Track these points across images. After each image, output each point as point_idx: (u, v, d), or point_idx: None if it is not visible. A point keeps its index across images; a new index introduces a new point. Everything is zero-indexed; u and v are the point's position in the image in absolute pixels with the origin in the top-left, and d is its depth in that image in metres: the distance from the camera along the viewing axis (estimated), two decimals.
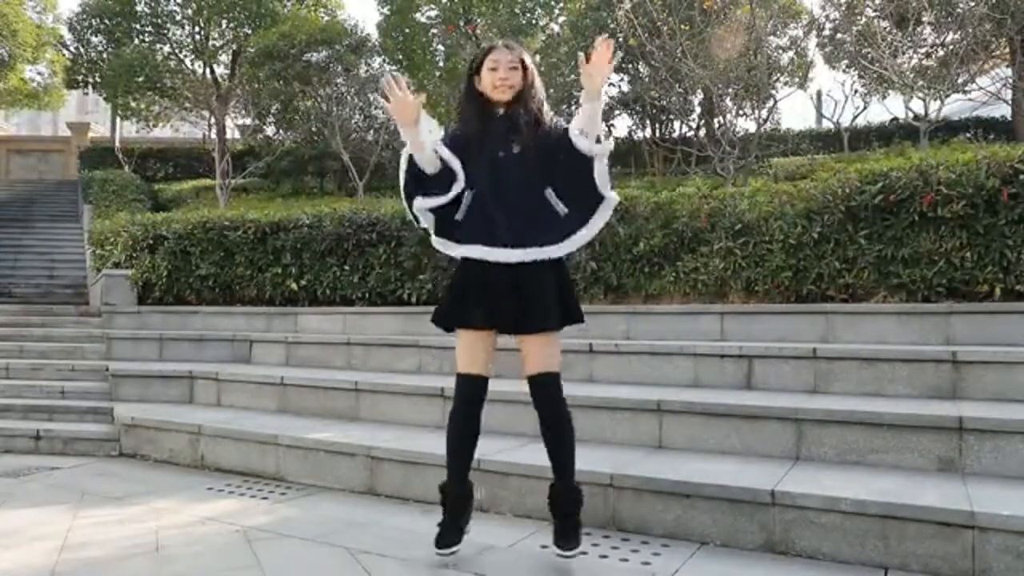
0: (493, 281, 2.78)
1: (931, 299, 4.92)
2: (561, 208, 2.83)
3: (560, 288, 2.85)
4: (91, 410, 5.89)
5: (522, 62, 2.88)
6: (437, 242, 2.95)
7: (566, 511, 2.83)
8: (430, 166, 2.87)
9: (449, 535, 2.86)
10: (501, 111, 2.89)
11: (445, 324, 2.93)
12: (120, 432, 5.41)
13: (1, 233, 13.24)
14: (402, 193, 2.95)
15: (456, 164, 2.86)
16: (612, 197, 2.90)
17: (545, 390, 2.83)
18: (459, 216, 2.84)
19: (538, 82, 2.94)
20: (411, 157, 2.88)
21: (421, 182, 2.89)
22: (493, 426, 3.69)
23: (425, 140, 2.85)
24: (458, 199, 2.85)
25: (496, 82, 2.84)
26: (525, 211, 2.80)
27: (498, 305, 2.77)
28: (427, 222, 2.94)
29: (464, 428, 2.89)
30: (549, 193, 2.83)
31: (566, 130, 2.82)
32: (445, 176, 2.87)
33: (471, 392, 2.87)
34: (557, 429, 2.85)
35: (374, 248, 7.27)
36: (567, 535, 2.79)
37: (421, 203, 2.88)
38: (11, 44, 18.76)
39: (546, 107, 2.95)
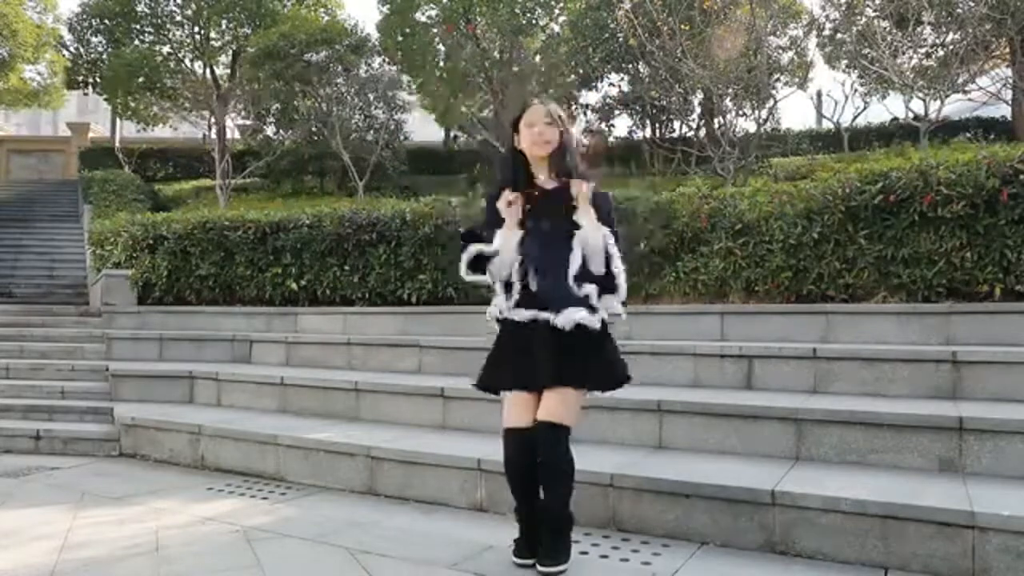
0: (529, 342, 2.82)
1: (931, 299, 4.92)
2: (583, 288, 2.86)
3: (598, 349, 2.86)
4: (91, 410, 5.89)
5: (558, 115, 2.92)
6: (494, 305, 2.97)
7: (554, 533, 2.80)
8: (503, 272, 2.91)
9: (523, 547, 2.87)
10: (542, 175, 2.93)
11: (492, 390, 2.99)
12: (120, 432, 5.41)
13: (1, 233, 13.24)
14: (464, 269, 2.97)
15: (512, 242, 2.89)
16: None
17: (547, 440, 2.78)
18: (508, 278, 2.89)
19: (571, 138, 2.96)
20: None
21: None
22: (494, 425, 3.68)
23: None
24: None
25: (534, 139, 2.89)
26: (561, 282, 2.83)
27: (535, 365, 2.80)
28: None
29: (518, 477, 2.87)
30: (573, 279, 2.85)
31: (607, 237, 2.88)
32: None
33: (521, 448, 2.83)
34: (551, 474, 2.81)
35: (374, 248, 7.27)
36: (554, 554, 2.77)
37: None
38: (11, 44, 18.76)
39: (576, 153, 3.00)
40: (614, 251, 2.88)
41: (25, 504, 4.06)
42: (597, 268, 2.85)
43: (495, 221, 2.90)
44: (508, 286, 2.90)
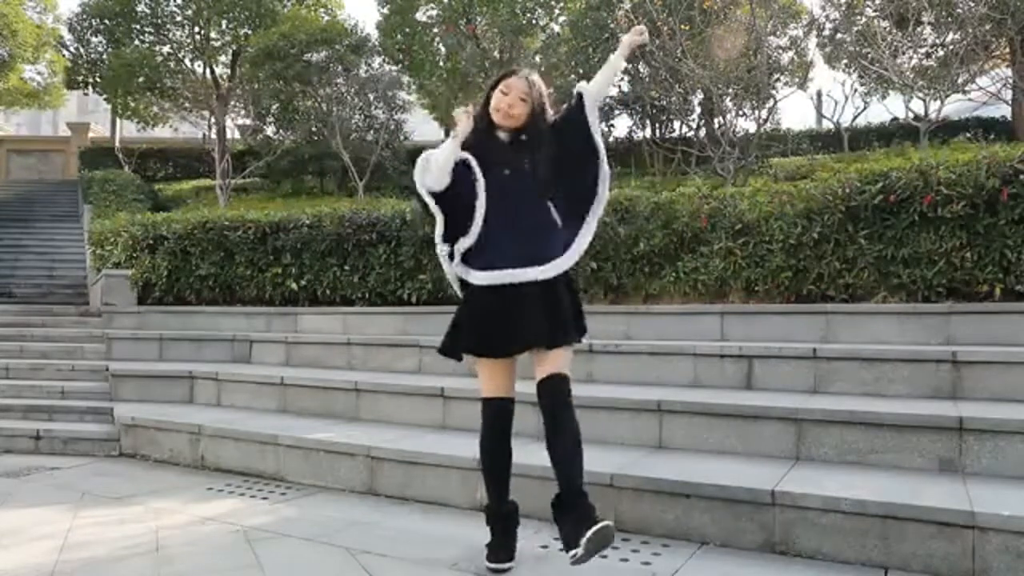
0: (501, 304, 2.74)
1: (931, 299, 4.92)
2: (558, 220, 2.86)
3: (573, 302, 2.87)
4: (91, 410, 5.89)
5: (538, 96, 2.90)
6: (457, 270, 2.90)
7: (581, 510, 2.59)
8: (444, 174, 2.85)
9: (499, 551, 2.84)
10: (504, 136, 2.91)
11: (457, 353, 2.90)
12: (120, 432, 5.41)
13: (1, 233, 13.24)
14: (438, 239, 2.93)
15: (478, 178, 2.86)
16: (604, 186, 2.95)
17: (554, 389, 2.72)
18: (470, 242, 2.83)
19: (547, 111, 2.94)
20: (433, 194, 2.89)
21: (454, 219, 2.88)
22: None
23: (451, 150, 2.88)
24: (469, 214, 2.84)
25: (499, 105, 2.87)
26: (530, 228, 2.80)
27: (521, 327, 2.72)
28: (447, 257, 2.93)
29: (497, 453, 2.87)
30: (550, 206, 2.86)
31: (571, 106, 2.91)
32: (465, 205, 2.84)
33: (499, 416, 2.85)
34: (565, 430, 2.70)
35: (374, 248, 7.26)
36: (581, 529, 2.49)
37: (447, 248, 2.91)
38: (11, 44, 18.76)
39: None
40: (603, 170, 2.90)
41: (25, 504, 4.06)
42: (599, 91, 2.91)
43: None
44: (469, 249, 2.81)
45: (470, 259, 2.84)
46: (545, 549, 3.06)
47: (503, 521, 2.89)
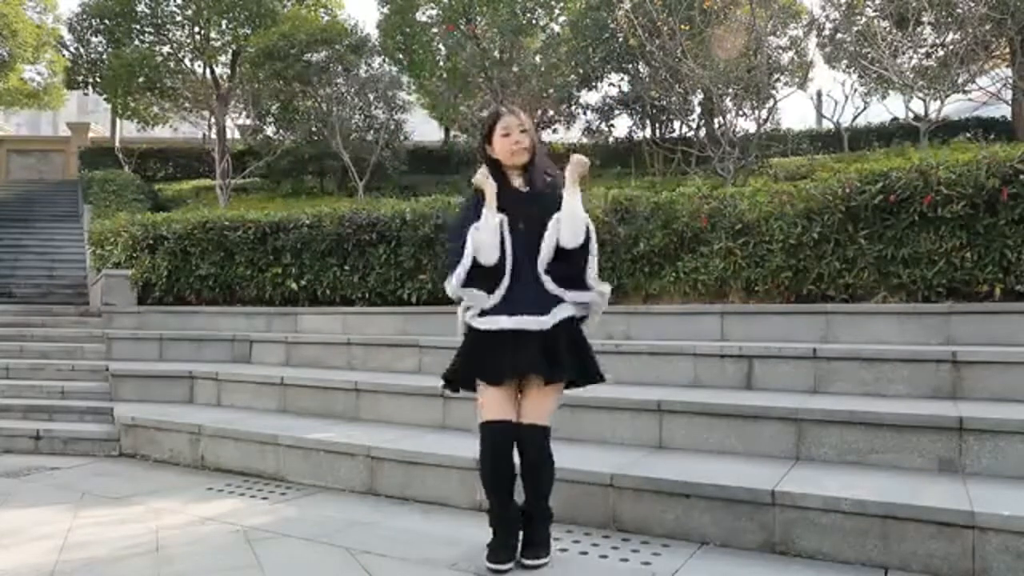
0: (506, 341, 2.85)
1: (931, 299, 4.92)
2: (554, 287, 2.90)
3: (574, 346, 2.92)
4: (91, 410, 5.89)
5: (529, 123, 2.99)
6: (465, 315, 2.98)
7: (537, 527, 2.91)
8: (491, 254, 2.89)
9: (499, 552, 2.85)
10: (518, 181, 2.97)
11: (454, 386, 3.02)
12: (120, 432, 5.41)
13: (1, 233, 13.24)
14: (453, 286, 2.95)
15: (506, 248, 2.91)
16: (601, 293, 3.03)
17: (533, 441, 2.88)
18: (497, 297, 2.90)
19: (540, 149, 3.03)
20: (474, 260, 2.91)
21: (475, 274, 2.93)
22: None
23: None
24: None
25: (512, 147, 2.93)
26: (531, 284, 2.88)
27: (513, 359, 2.84)
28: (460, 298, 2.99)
29: (500, 475, 2.89)
30: (542, 274, 2.90)
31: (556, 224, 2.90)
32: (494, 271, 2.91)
33: (501, 435, 2.87)
34: (532, 475, 2.91)
35: (374, 248, 7.26)
36: (538, 547, 2.88)
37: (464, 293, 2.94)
38: (11, 44, 18.77)
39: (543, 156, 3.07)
40: (592, 243, 2.93)
41: (25, 504, 4.06)
42: (573, 241, 2.86)
43: (472, 219, 2.92)
44: (484, 286, 2.88)
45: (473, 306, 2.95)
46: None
47: (506, 523, 2.91)
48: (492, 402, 2.89)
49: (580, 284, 2.93)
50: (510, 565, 2.83)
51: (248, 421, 5.02)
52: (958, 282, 4.85)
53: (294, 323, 7.29)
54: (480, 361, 2.92)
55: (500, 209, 2.90)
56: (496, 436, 2.87)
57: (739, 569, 2.82)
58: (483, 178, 2.95)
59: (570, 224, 2.87)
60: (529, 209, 2.91)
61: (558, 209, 2.88)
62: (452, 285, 2.94)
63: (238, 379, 5.83)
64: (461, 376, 3.01)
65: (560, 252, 2.90)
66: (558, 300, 2.89)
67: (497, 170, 2.98)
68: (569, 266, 2.91)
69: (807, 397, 3.97)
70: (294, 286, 7.59)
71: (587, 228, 2.91)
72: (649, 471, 3.33)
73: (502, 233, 2.88)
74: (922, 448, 3.28)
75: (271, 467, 4.52)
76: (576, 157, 2.91)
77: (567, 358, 2.88)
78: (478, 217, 2.90)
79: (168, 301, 8.18)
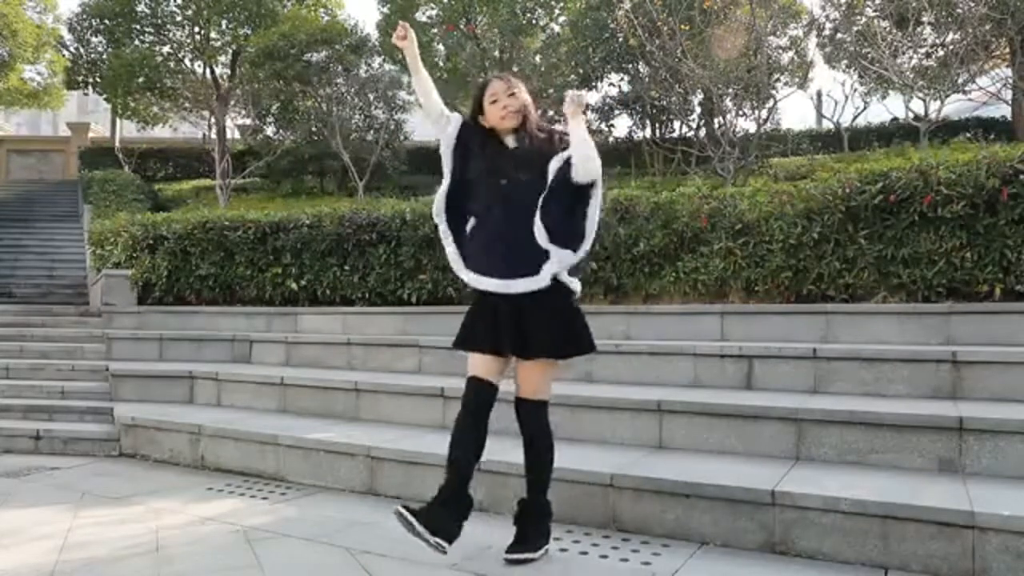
0: (498, 309, 2.86)
1: (931, 299, 4.92)
2: (544, 240, 2.85)
3: (564, 317, 2.87)
4: (91, 410, 5.89)
5: (519, 85, 2.98)
6: (455, 266, 3.02)
7: (525, 522, 2.92)
8: (429, 101, 3.01)
9: (438, 514, 2.73)
10: (511, 140, 2.95)
11: (461, 347, 3.01)
12: (120, 432, 5.41)
13: (1, 233, 13.24)
14: (436, 211, 3.04)
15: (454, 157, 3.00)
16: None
17: (529, 416, 2.91)
18: (465, 244, 2.96)
19: (533, 114, 3.01)
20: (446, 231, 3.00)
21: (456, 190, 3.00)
22: (494, 426, 3.68)
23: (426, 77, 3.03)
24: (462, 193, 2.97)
25: (501, 112, 2.92)
26: (520, 241, 2.85)
27: (502, 332, 2.84)
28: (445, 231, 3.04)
29: (468, 437, 2.86)
30: (538, 223, 2.85)
31: (566, 164, 2.88)
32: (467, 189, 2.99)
33: (479, 396, 2.87)
34: (535, 453, 2.94)
35: (374, 248, 7.27)
36: (520, 543, 2.88)
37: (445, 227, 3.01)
38: (11, 44, 18.77)
39: (537, 119, 3.05)
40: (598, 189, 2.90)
41: (25, 504, 4.06)
42: (587, 175, 2.84)
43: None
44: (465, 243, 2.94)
45: (466, 256, 2.97)
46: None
47: (451, 504, 2.79)
48: (474, 360, 2.92)
49: (574, 240, 2.87)
50: (444, 543, 2.69)
51: (248, 421, 5.02)
52: (958, 282, 4.85)
53: (294, 323, 7.29)
54: (466, 326, 2.96)
55: (486, 164, 2.93)
56: (469, 393, 2.89)
57: (739, 569, 2.82)
58: (398, 37, 2.99)
59: (583, 153, 2.82)
60: (516, 166, 2.90)
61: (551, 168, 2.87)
62: (435, 207, 3.01)
63: (238, 379, 5.83)
64: (460, 342, 3.00)
65: (569, 193, 2.85)
66: (540, 261, 2.80)
67: (491, 136, 2.97)
68: (573, 215, 2.86)
69: (807, 397, 3.97)
70: (294, 286, 7.59)
71: (598, 167, 2.87)
72: (649, 471, 3.33)
73: (485, 180, 2.91)
74: (922, 448, 3.28)
75: (271, 467, 4.52)
76: (570, 92, 2.88)
77: (549, 333, 2.82)
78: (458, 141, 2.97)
79: (168, 301, 8.18)
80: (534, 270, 2.81)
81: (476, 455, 2.89)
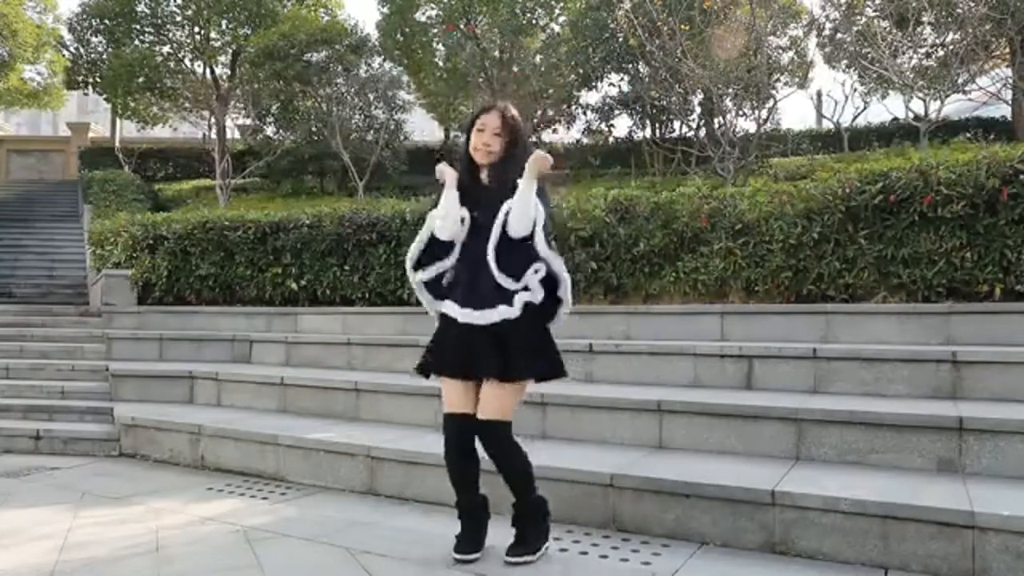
0: (463, 336, 2.91)
1: (931, 299, 4.92)
2: (504, 283, 2.88)
3: (526, 344, 2.89)
4: (91, 410, 5.89)
5: (513, 128, 2.96)
6: (421, 295, 3.08)
7: (520, 525, 2.95)
8: (449, 230, 2.98)
9: (465, 543, 2.94)
10: (484, 175, 2.99)
11: (425, 372, 3.10)
12: (120, 432, 5.41)
13: (1, 233, 13.24)
14: (409, 261, 3.07)
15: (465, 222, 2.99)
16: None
17: (491, 437, 2.92)
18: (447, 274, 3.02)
19: (521, 147, 2.98)
20: (432, 235, 3.01)
21: (433, 249, 3.02)
22: None
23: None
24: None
25: (478, 145, 2.96)
26: (481, 276, 2.89)
27: (468, 357, 2.90)
28: (419, 282, 3.07)
29: (459, 465, 2.96)
30: (491, 258, 2.89)
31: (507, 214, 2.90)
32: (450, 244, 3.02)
33: (457, 433, 2.93)
34: (504, 472, 2.96)
35: (374, 248, 7.27)
36: (521, 546, 2.92)
37: (422, 276, 3.04)
38: (11, 44, 18.77)
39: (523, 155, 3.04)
40: (540, 237, 2.86)
41: (25, 504, 4.06)
42: (519, 230, 2.82)
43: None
44: (438, 278, 3.01)
45: (437, 289, 3.04)
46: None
47: (472, 516, 2.98)
48: (448, 394, 2.98)
49: (526, 278, 2.87)
50: (476, 555, 2.92)
51: (248, 421, 5.02)
52: (958, 282, 4.85)
53: (294, 323, 7.29)
54: (436, 351, 3.04)
55: (460, 199, 2.96)
56: (450, 429, 2.96)
57: (739, 569, 2.82)
58: (441, 168, 3.04)
59: (517, 212, 2.82)
60: (486, 202, 2.91)
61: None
62: (408, 265, 3.05)
63: (238, 379, 5.83)
64: (426, 363, 3.09)
65: (510, 242, 2.87)
66: (510, 295, 2.85)
67: (472, 163, 3.01)
68: (516, 259, 2.87)
69: (807, 397, 3.97)
70: (294, 286, 7.59)
71: (537, 222, 2.84)
72: (649, 471, 3.33)
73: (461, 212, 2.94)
74: (922, 448, 3.28)
75: (271, 467, 4.52)
76: (538, 152, 2.88)
77: (516, 357, 2.86)
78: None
79: (168, 301, 8.18)
80: (507, 301, 2.85)
81: (476, 480, 2.99)
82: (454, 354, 2.95)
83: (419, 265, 3.04)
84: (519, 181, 2.84)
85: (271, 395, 5.54)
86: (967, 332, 4.50)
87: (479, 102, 15.26)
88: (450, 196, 2.96)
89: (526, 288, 2.85)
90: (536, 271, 2.86)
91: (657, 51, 11.23)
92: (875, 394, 3.96)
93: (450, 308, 2.95)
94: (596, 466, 3.42)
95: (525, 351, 2.89)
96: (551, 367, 2.97)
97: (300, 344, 6.56)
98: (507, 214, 2.85)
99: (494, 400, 2.89)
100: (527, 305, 2.85)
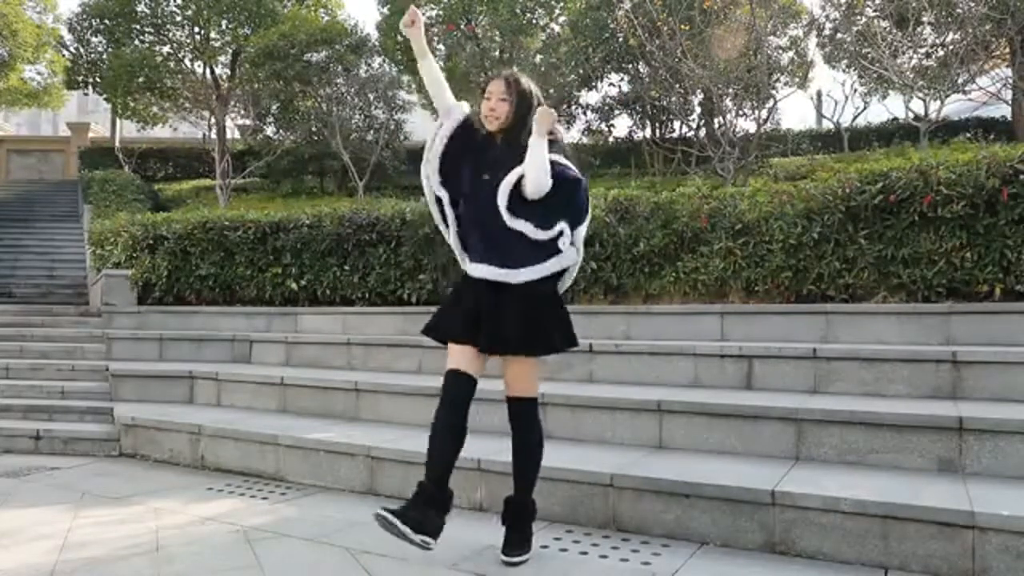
0: (479, 298, 2.85)
1: (931, 299, 4.92)
2: (533, 234, 2.84)
3: (544, 314, 2.87)
4: (91, 410, 5.89)
5: (519, 91, 2.92)
6: (454, 246, 3.05)
7: (521, 524, 2.93)
8: (440, 90, 3.01)
9: (427, 521, 2.69)
10: (499, 139, 2.96)
11: (433, 335, 3.01)
12: (120, 432, 5.41)
13: (1, 233, 13.24)
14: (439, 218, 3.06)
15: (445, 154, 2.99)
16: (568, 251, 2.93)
17: (520, 414, 2.92)
18: (453, 228, 3.01)
19: (533, 109, 2.93)
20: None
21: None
22: (494, 426, 3.69)
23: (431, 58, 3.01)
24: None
25: (486, 112, 2.94)
26: (496, 235, 2.85)
27: (479, 324, 2.83)
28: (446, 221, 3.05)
29: (449, 431, 2.83)
30: (521, 222, 2.85)
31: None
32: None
33: (459, 388, 2.85)
34: (526, 453, 2.94)
35: (374, 248, 7.27)
36: (519, 544, 2.90)
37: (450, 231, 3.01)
38: (11, 44, 18.77)
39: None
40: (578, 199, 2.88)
41: (25, 504, 4.06)
42: (535, 191, 2.79)
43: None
44: (460, 241, 2.99)
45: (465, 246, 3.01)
46: (545, 549, 3.05)
47: (436, 498, 2.75)
48: (453, 353, 2.90)
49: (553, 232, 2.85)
50: (429, 539, 2.67)
51: (248, 421, 5.02)
52: (958, 282, 4.85)
53: (294, 323, 7.29)
54: (448, 315, 2.95)
55: (469, 158, 2.95)
56: (449, 386, 2.86)
57: (739, 569, 2.82)
58: (407, 21, 2.96)
59: (532, 172, 2.78)
60: (499, 163, 2.87)
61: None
62: (451, 237, 3.03)
63: (238, 379, 5.83)
64: (434, 328, 3.00)
65: (523, 200, 2.83)
66: (525, 256, 2.81)
67: (481, 123, 3.00)
68: (536, 214, 2.84)
69: (807, 397, 3.97)
70: (294, 286, 7.59)
71: (548, 185, 2.80)
72: (649, 471, 3.33)
73: (464, 179, 2.93)
74: (922, 448, 3.28)
75: (271, 467, 4.52)
76: (541, 109, 2.86)
77: (542, 328, 2.83)
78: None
79: (168, 301, 8.18)
80: (525, 263, 2.81)
81: (456, 448, 2.84)
82: (464, 320, 2.84)
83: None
84: (529, 141, 2.82)
85: (271, 395, 5.54)
86: (967, 332, 4.50)
87: (479, 102, 15.27)
88: (440, 133, 2.97)
89: (555, 244, 2.84)
90: (562, 232, 2.85)
91: (657, 51, 11.23)
92: (875, 394, 3.96)
93: (473, 268, 2.89)
94: (596, 466, 3.42)
95: (552, 321, 2.86)
96: (571, 337, 2.93)
97: (300, 344, 6.56)
98: (520, 176, 2.81)
99: (525, 378, 2.88)
100: (558, 269, 2.86)
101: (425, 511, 2.71)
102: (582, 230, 2.96)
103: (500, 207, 2.81)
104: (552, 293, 2.92)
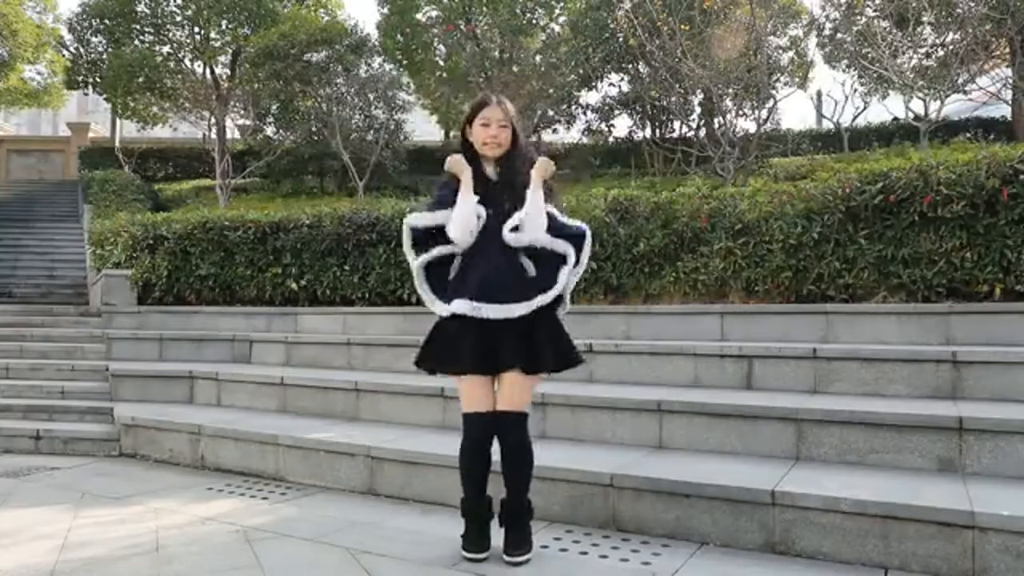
0: (485, 332, 2.86)
1: (931, 299, 4.92)
2: (531, 269, 2.93)
3: (546, 335, 2.91)
4: (91, 410, 5.89)
5: (511, 116, 2.98)
6: (426, 296, 3.00)
7: (519, 524, 2.94)
8: (462, 231, 2.92)
9: (476, 542, 2.94)
10: (490, 169, 2.99)
11: (435, 369, 3.03)
12: (120, 432, 5.41)
13: (1, 233, 13.24)
14: (411, 247, 3.00)
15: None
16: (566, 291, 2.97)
17: (512, 429, 2.92)
18: (451, 274, 2.98)
19: (523, 139, 3.03)
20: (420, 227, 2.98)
21: (430, 237, 2.97)
22: None
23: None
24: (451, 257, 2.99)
25: (486, 139, 2.95)
26: (503, 271, 2.88)
27: (492, 351, 2.86)
28: (421, 276, 3.01)
29: (477, 462, 2.94)
30: (523, 258, 2.93)
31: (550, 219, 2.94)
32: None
33: (479, 431, 2.92)
34: (518, 458, 2.94)
35: (374, 248, 7.27)
36: (520, 544, 2.91)
37: (425, 258, 2.97)
38: (11, 44, 18.77)
39: (524, 143, 3.07)
40: (559, 240, 2.90)
41: (25, 504, 4.06)
42: (532, 240, 2.86)
43: (445, 200, 2.93)
44: (448, 282, 2.95)
45: (440, 291, 2.97)
46: (545, 549, 3.05)
47: (480, 515, 2.96)
48: (468, 393, 2.93)
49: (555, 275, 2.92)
50: (486, 555, 2.91)
51: (248, 421, 5.02)
52: (958, 282, 4.85)
53: (294, 323, 7.30)
54: (447, 350, 2.93)
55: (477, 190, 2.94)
56: (477, 429, 2.92)
57: (739, 569, 2.82)
58: (459, 163, 2.95)
59: (530, 221, 2.86)
60: (498, 196, 2.92)
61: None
62: (417, 261, 2.96)
63: (238, 379, 5.83)
64: (433, 360, 3.01)
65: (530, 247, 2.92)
66: (533, 286, 2.88)
67: (472, 154, 3.00)
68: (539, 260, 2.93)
69: (807, 397, 3.97)
70: (294, 286, 7.59)
71: (540, 237, 2.88)
72: (649, 471, 3.33)
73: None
74: (922, 448, 3.28)
75: (271, 467, 4.52)
76: (542, 159, 2.92)
77: (542, 348, 2.88)
78: (454, 202, 2.91)
79: (168, 301, 8.18)
80: (525, 296, 2.86)
81: (487, 471, 2.97)
82: (473, 352, 2.86)
83: (417, 246, 2.97)
84: (527, 190, 2.88)
85: (271, 395, 5.54)
86: (967, 332, 4.50)
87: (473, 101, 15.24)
88: (468, 199, 2.88)
89: (555, 277, 2.89)
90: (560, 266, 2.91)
91: (657, 51, 11.23)
92: (875, 394, 3.97)
93: (463, 307, 2.85)
94: (596, 466, 3.42)
95: (551, 341, 2.91)
96: (572, 356, 2.98)
97: (300, 344, 6.56)
98: (520, 220, 2.87)
99: (519, 392, 2.90)
100: (557, 297, 2.90)
101: (485, 537, 2.95)
102: (582, 265, 2.99)
103: (506, 240, 2.87)
104: (550, 316, 2.95)
